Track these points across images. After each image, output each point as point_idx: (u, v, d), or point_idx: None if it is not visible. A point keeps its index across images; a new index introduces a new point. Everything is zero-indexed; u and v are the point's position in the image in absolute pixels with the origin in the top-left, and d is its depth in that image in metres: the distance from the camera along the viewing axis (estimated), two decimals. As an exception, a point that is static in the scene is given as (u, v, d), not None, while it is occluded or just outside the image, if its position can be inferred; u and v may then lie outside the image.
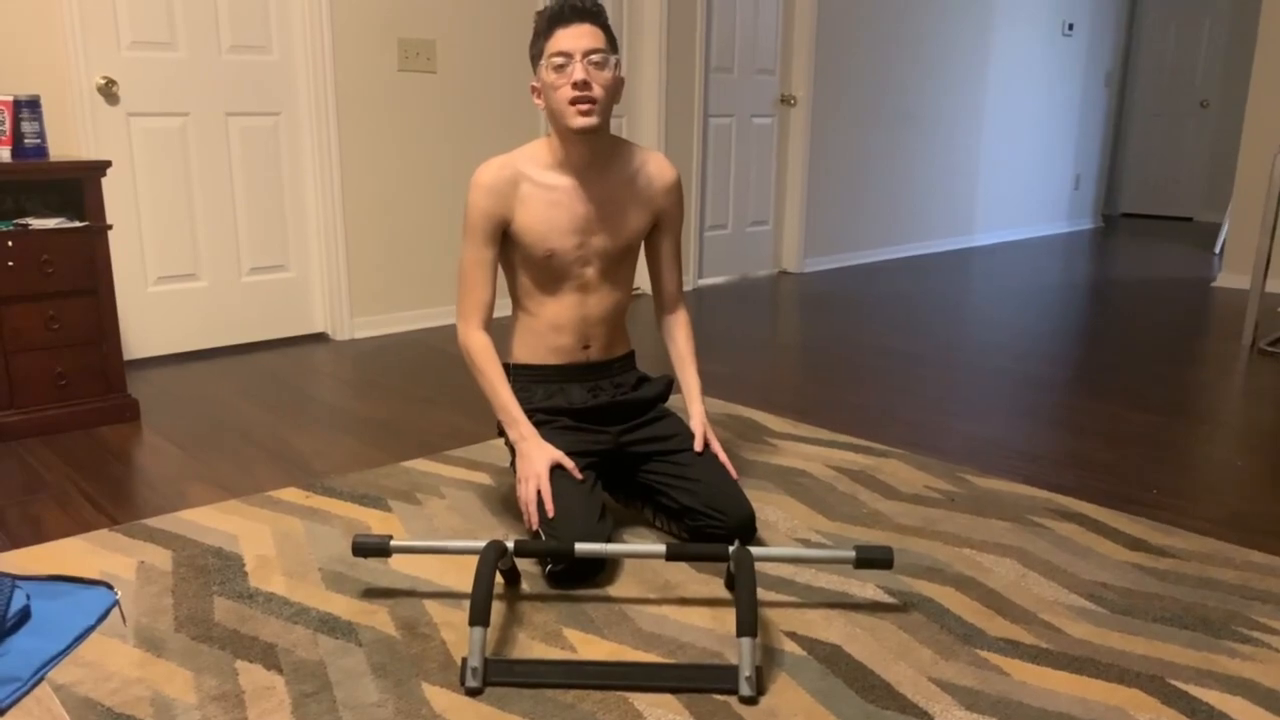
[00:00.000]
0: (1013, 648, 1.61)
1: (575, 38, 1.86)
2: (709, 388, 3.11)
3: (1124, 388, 3.22)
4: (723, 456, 2.01)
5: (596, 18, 1.89)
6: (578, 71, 1.85)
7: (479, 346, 1.97)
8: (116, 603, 1.70)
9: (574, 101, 1.86)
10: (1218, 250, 6.33)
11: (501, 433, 2.10)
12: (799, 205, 5.47)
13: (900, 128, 5.97)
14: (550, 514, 1.82)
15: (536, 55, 1.92)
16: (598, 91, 1.86)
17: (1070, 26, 7.02)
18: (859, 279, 5.35)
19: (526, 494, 1.86)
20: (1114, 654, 1.59)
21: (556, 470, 1.88)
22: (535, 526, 1.84)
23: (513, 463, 2.04)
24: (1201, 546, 2.00)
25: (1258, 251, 3.79)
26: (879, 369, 3.44)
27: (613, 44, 1.91)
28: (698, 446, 1.99)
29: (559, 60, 1.86)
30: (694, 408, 2.08)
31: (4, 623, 1.55)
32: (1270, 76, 4.91)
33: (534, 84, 1.95)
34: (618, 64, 1.92)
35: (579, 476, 1.88)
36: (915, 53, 5.92)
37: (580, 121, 1.87)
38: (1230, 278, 5.14)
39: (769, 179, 5.41)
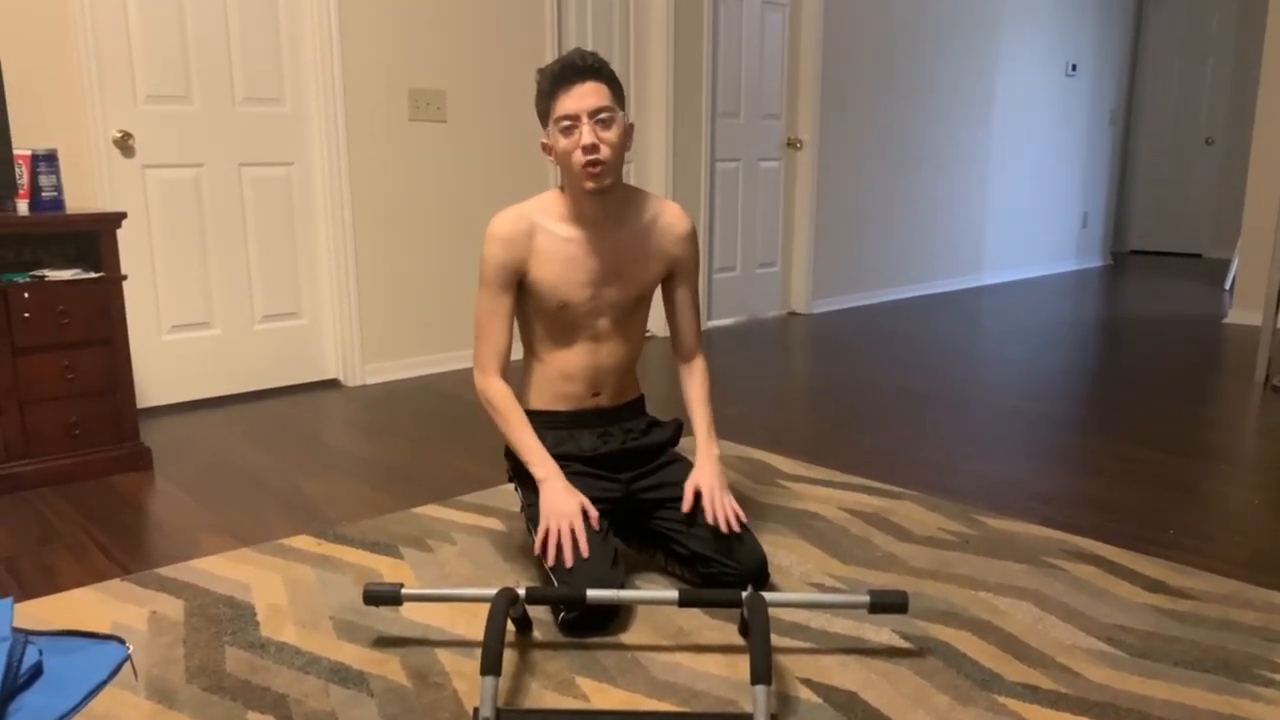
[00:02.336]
0: (1031, 693, 1.59)
1: (579, 98, 1.85)
2: (721, 429, 3.09)
3: (1137, 426, 3.20)
4: (721, 507, 1.90)
5: (599, 73, 1.88)
6: (586, 135, 1.85)
7: (498, 392, 1.97)
8: (129, 658, 1.69)
9: (585, 165, 1.86)
10: (1228, 286, 6.33)
11: (512, 478, 2.10)
12: (807, 247, 5.49)
13: (907, 169, 6.01)
14: (585, 554, 1.80)
15: (543, 114, 1.93)
16: (606, 153, 1.86)
17: (1074, 67, 7.09)
18: (868, 319, 5.35)
19: (559, 529, 1.82)
20: (1134, 699, 1.57)
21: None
22: (569, 564, 1.80)
23: (523, 507, 2.04)
24: (1221, 588, 1.98)
25: (1268, 287, 3.79)
26: (890, 410, 3.43)
27: (619, 97, 1.91)
28: (684, 506, 1.92)
29: (566, 124, 1.86)
30: (699, 455, 2.00)
31: (17, 680, 1.54)
32: (1275, 112, 4.94)
33: (544, 141, 1.96)
34: (625, 117, 1.92)
35: (596, 527, 1.87)
36: (920, 95, 5.98)
37: (592, 185, 1.88)
38: (1241, 314, 5.13)
39: (777, 221, 5.45)
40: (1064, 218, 7.42)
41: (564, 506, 1.86)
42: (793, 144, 5.39)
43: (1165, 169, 8.30)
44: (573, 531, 1.82)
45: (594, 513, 1.87)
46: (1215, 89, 7.94)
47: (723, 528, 1.90)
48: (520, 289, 1.99)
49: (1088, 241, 7.72)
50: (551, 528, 1.84)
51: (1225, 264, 7.32)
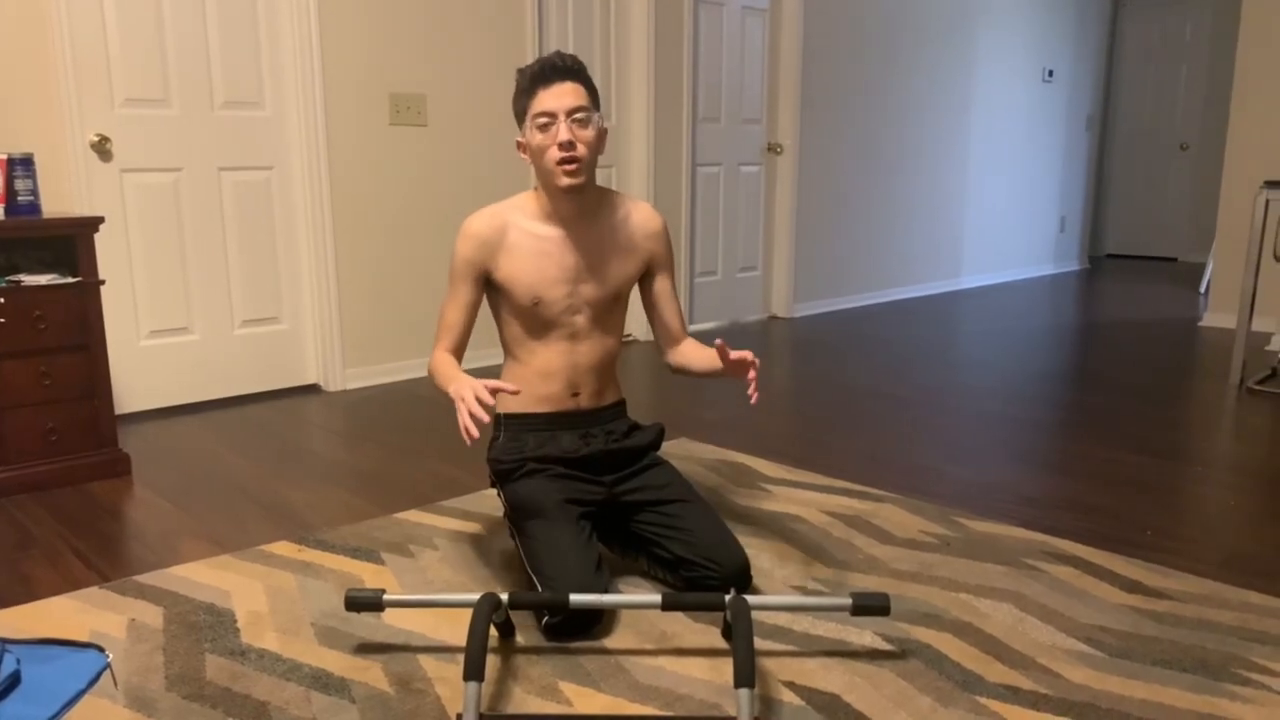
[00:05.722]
0: (1012, 694, 1.60)
1: (558, 97, 1.89)
2: (702, 433, 3.12)
3: (1115, 429, 3.23)
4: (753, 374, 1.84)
5: (578, 75, 1.92)
6: (562, 132, 1.88)
7: (436, 358, 1.98)
8: (108, 666, 1.68)
9: (560, 162, 1.89)
10: (1203, 290, 6.40)
11: (494, 483, 2.10)
12: (788, 251, 5.52)
13: (886, 173, 6.05)
14: (485, 419, 1.70)
15: (520, 113, 1.96)
16: (581, 150, 1.90)
17: (1050, 73, 7.15)
18: (848, 323, 5.38)
19: (461, 416, 1.71)
20: (1114, 699, 1.58)
21: (553, 517, 1.88)
22: (475, 437, 1.68)
23: (506, 513, 2.03)
24: (1198, 588, 2.00)
25: (1242, 290, 3.83)
26: (871, 413, 3.45)
27: (595, 100, 1.94)
28: (731, 353, 1.84)
29: (543, 120, 1.90)
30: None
31: (-7, 686, 1.53)
32: (1248, 119, 5.00)
33: (519, 139, 1.98)
34: (600, 119, 1.95)
35: (513, 389, 1.76)
36: (899, 100, 6.02)
37: (566, 181, 1.91)
38: (1216, 317, 5.19)
39: (757, 226, 5.47)
40: (1041, 222, 7.48)
41: (459, 390, 1.73)
42: (773, 149, 5.41)
43: (1141, 174, 8.39)
44: (478, 399, 1.70)
45: (505, 386, 1.75)
46: (1190, 95, 8.03)
47: (752, 380, 1.83)
48: (492, 287, 2.02)
49: (1065, 246, 7.79)
50: (460, 417, 1.71)
51: (1200, 268, 7.41)
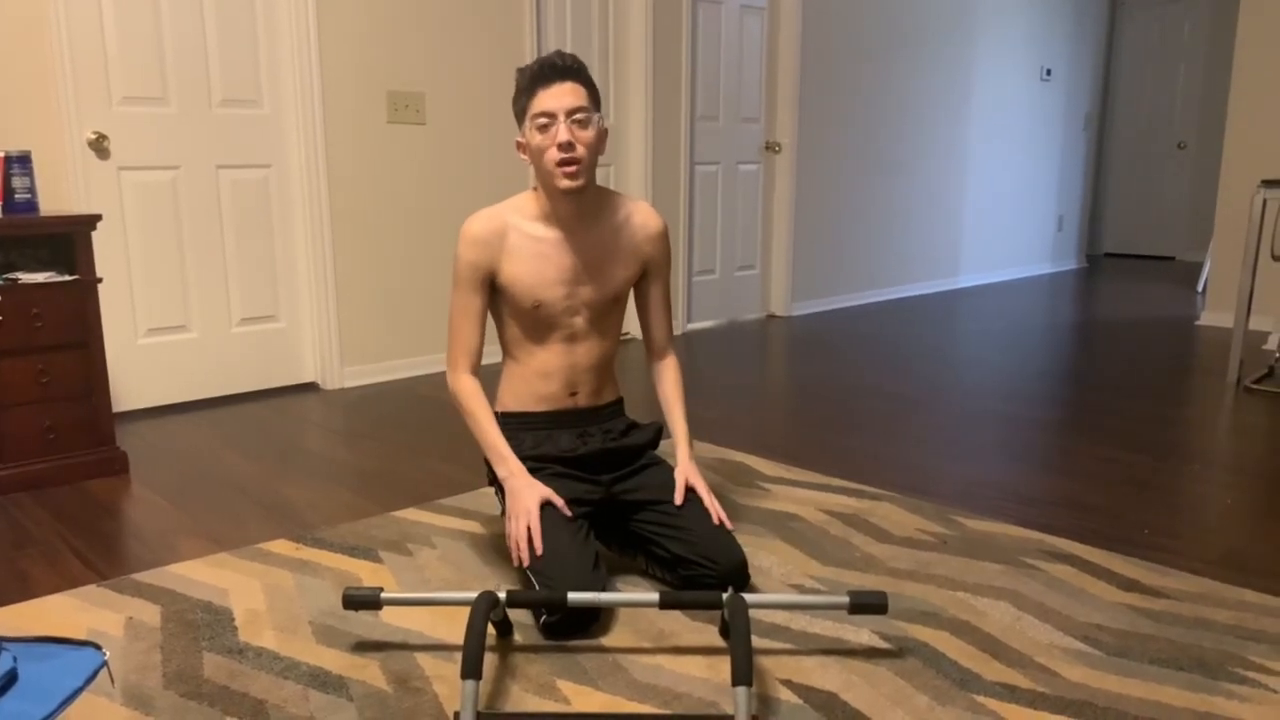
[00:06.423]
0: (1009, 692, 1.60)
1: (557, 97, 1.88)
2: (700, 432, 3.12)
3: (1112, 427, 3.23)
4: (711, 503, 1.98)
5: (578, 75, 1.91)
6: (562, 133, 1.87)
7: (466, 389, 2.00)
8: (105, 664, 1.68)
9: (560, 164, 1.88)
10: (1200, 289, 6.40)
11: (492, 480, 2.10)
12: (786, 250, 5.52)
13: (884, 172, 6.05)
14: (539, 552, 1.82)
15: (520, 113, 1.95)
16: (581, 151, 1.89)
17: (1049, 72, 7.15)
18: (846, 322, 5.38)
19: (517, 531, 1.86)
20: (1111, 697, 1.59)
21: (549, 517, 1.88)
22: (526, 564, 1.84)
23: (503, 510, 2.03)
24: (1195, 586, 2.00)
25: (1240, 289, 3.84)
26: (869, 412, 3.45)
27: (595, 100, 1.93)
28: (677, 499, 1.98)
29: (543, 121, 1.89)
30: (680, 452, 2.07)
31: (-10, 684, 1.53)
32: (1245, 118, 5.01)
33: (519, 139, 1.97)
34: (601, 119, 1.94)
35: (569, 514, 1.90)
36: (897, 99, 6.02)
37: (566, 184, 1.90)
38: (1214, 315, 5.19)
39: (756, 224, 5.47)
40: (1039, 221, 7.48)
41: (522, 503, 1.88)
42: (771, 147, 5.41)
43: (1139, 173, 8.39)
44: (532, 528, 1.86)
45: (559, 500, 1.90)
46: (1187, 94, 8.04)
47: (728, 524, 1.96)
48: (494, 290, 2.01)
49: (1063, 244, 7.79)
50: (510, 529, 1.88)
51: (1198, 267, 7.41)
